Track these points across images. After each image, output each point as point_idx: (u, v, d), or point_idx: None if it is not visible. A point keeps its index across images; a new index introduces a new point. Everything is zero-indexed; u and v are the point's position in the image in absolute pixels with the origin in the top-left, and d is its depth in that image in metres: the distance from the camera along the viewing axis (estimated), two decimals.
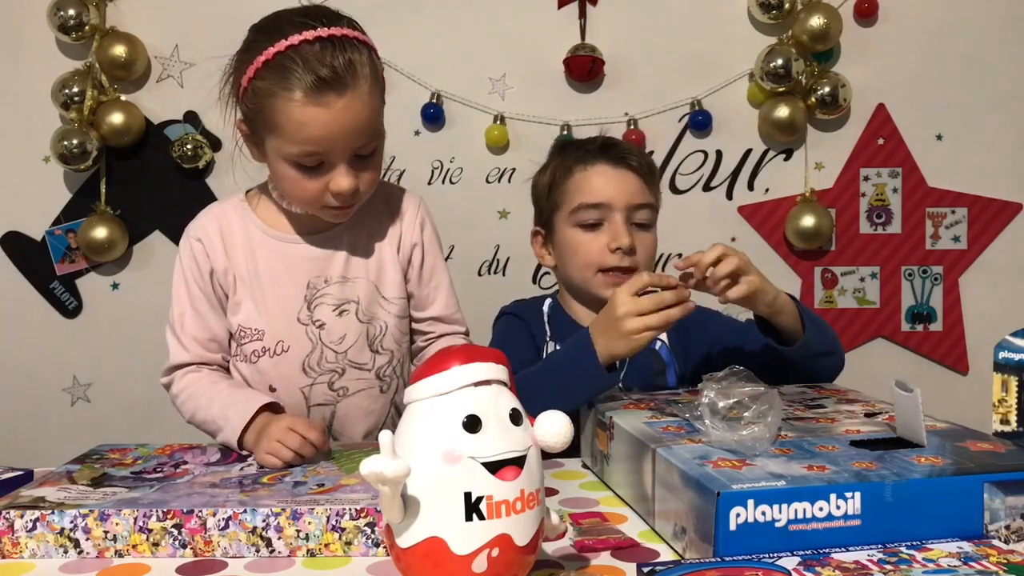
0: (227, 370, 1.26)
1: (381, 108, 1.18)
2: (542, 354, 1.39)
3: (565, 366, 1.17)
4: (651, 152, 2.18)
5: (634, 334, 1.12)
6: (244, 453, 1.09)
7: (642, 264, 1.36)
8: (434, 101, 2.21)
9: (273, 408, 1.14)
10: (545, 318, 1.44)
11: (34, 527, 0.84)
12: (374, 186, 1.21)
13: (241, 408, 1.12)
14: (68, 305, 2.26)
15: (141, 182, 2.23)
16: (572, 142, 1.50)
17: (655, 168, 1.45)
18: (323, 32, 1.11)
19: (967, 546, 0.75)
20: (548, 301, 1.47)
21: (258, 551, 0.83)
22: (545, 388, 1.14)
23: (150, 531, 0.84)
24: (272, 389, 1.23)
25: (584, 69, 2.18)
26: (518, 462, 0.68)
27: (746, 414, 0.89)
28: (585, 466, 1.12)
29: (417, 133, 2.23)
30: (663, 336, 1.39)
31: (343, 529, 0.83)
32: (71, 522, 0.84)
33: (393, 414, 1.30)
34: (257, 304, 1.22)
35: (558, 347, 1.35)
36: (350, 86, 1.10)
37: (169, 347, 1.24)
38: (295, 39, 1.10)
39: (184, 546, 0.84)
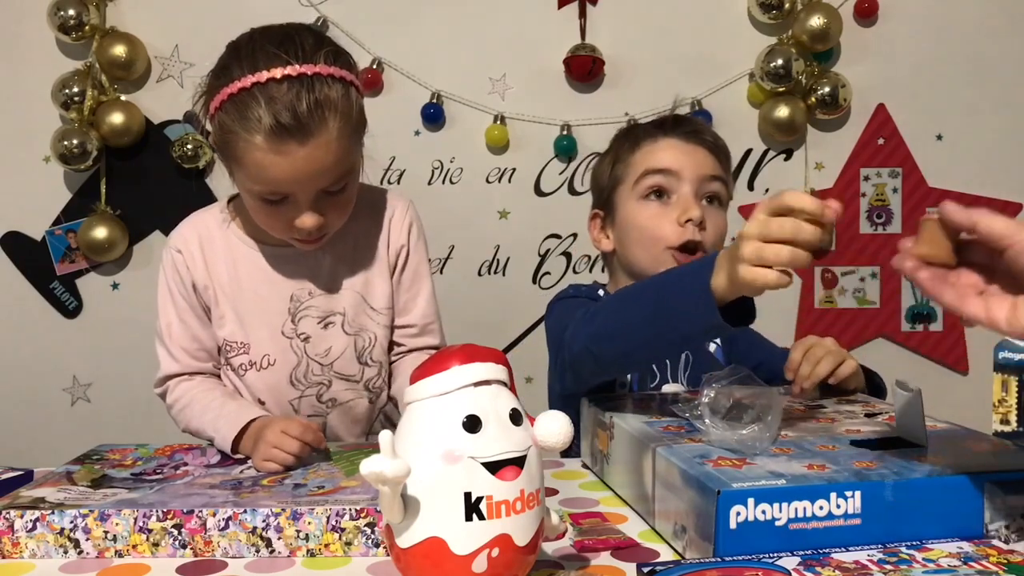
0: (219, 377, 1.25)
1: (355, 146, 1.13)
2: None
3: (673, 283, 0.94)
4: None
5: (752, 264, 0.81)
6: (241, 456, 1.08)
7: (710, 246, 1.23)
8: (434, 101, 2.21)
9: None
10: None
11: (34, 527, 0.84)
12: (346, 217, 1.17)
13: (231, 419, 1.10)
14: (68, 305, 2.26)
15: (141, 182, 2.23)
16: (640, 124, 1.40)
17: (729, 153, 1.33)
18: (292, 70, 1.04)
19: (967, 546, 0.75)
20: (600, 292, 1.35)
21: (258, 551, 0.83)
22: (641, 303, 0.95)
23: (150, 531, 0.83)
24: (261, 402, 1.22)
25: (584, 69, 2.18)
26: (518, 462, 0.68)
27: (746, 414, 0.89)
28: (585, 466, 1.12)
29: (417, 133, 2.23)
30: (718, 339, 1.30)
31: (343, 529, 0.83)
32: (71, 522, 0.84)
33: (383, 420, 1.29)
34: (241, 318, 1.20)
35: None
36: (314, 133, 1.05)
37: (159, 358, 1.23)
38: (263, 75, 1.04)
39: (184, 546, 0.84)
